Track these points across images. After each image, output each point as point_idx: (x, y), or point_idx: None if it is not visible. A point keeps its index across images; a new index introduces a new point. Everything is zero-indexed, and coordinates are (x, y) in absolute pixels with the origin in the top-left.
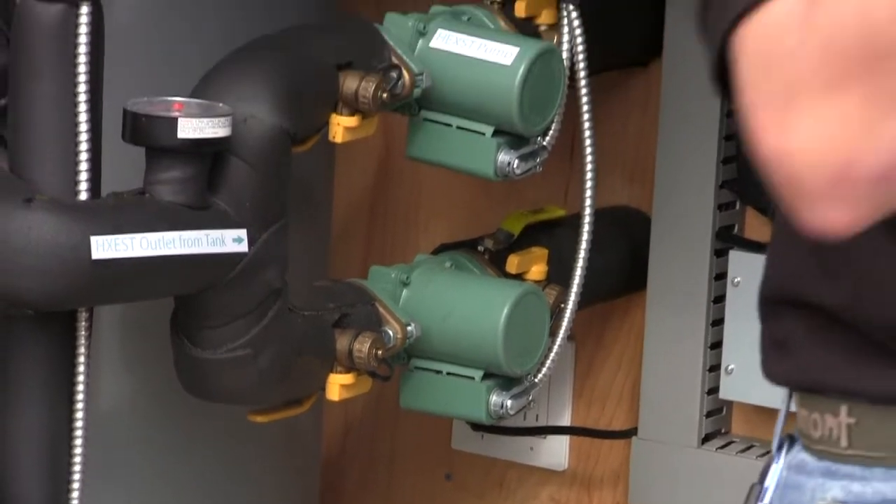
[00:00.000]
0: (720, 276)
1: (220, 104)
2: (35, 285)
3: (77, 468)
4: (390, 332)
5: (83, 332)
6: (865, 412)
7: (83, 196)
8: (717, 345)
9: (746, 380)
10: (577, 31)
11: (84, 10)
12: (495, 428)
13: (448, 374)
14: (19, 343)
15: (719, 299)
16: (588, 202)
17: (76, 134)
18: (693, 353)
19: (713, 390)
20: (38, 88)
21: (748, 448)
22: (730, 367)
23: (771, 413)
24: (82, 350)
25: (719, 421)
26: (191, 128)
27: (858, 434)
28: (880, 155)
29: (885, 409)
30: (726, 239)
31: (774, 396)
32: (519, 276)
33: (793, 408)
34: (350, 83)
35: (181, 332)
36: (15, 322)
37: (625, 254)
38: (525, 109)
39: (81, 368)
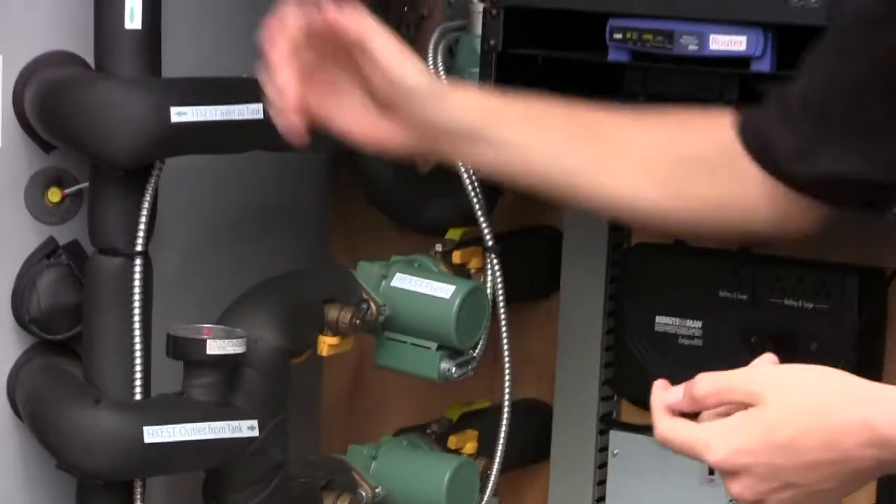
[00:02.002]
0: (603, 449)
1: (238, 329)
2: (102, 462)
3: None
4: (363, 493)
5: (138, 499)
6: None
7: (137, 397)
8: (601, 499)
9: None
10: (497, 274)
11: (137, 261)
12: None
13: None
14: None
15: (602, 465)
16: (507, 396)
17: (132, 353)
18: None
19: None
20: (104, 320)
21: None
22: None
23: None
24: None
25: None
26: (216, 347)
27: None
28: None
29: None
30: (607, 422)
31: None
32: (457, 451)
33: None
34: (332, 313)
35: (210, 496)
36: (84, 492)
37: (534, 433)
38: (460, 330)
39: None
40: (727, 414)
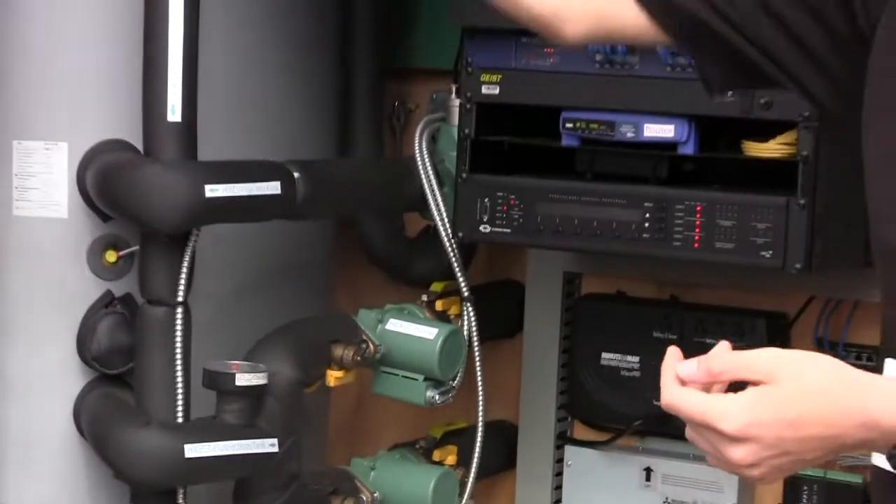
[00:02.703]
0: (559, 461)
1: (261, 364)
2: (150, 473)
3: None
4: (364, 498)
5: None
6: None
7: (179, 419)
8: (558, 501)
9: None
10: (472, 318)
11: (179, 310)
12: None
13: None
14: None
15: (559, 474)
16: (480, 418)
17: (175, 384)
18: None
19: None
20: (152, 358)
21: None
22: None
23: None
24: None
25: None
26: (243, 379)
27: None
28: None
29: None
30: (563, 438)
31: None
32: (440, 463)
33: None
34: (337, 351)
35: (239, 500)
36: (137, 498)
37: (503, 447)
38: (442, 365)
39: None
40: (734, 389)
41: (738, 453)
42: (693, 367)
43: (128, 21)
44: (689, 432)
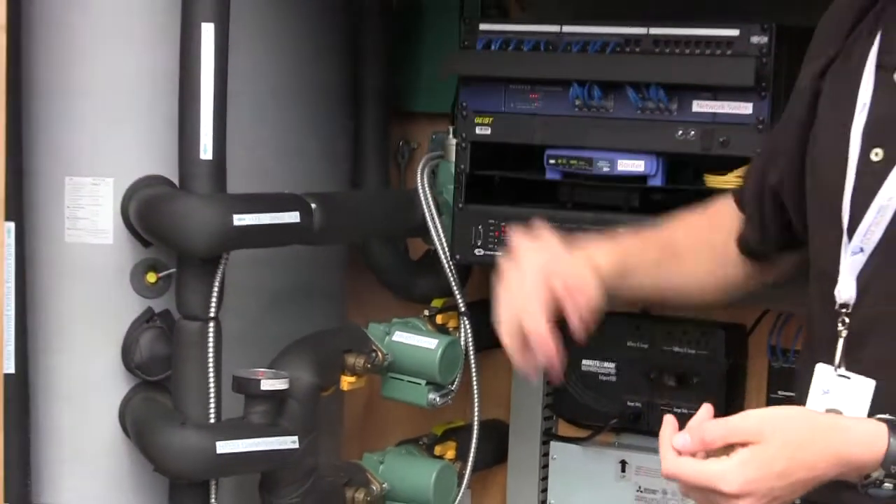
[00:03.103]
0: (545, 455)
1: (283, 371)
2: (187, 467)
3: None
4: (374, 488)
5: (213, 494)
6: None
7: (212, 420)
8: (544, 490)
9: None
10: (468, 331)
11: (211, 325)
12: None
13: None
14: None
15: (545, 466)
16: (476, 417)
17: (208, 389)
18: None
19: None
20: (188, 366)
21: None
22: None
23: None
24: None
25: None
26: (268, 384)
27: None
28: None
29: None
30: (549, 435)
31: None
32: (440, 457)
33: None
34: (350, 359)
35: (265, 491)
36: (174, 489)
37: (496, 443)
38: (442, 371)
39: None
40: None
41: (728, 475)
42: (687, 439)
43: (164, 72)
44: (688, 491)
